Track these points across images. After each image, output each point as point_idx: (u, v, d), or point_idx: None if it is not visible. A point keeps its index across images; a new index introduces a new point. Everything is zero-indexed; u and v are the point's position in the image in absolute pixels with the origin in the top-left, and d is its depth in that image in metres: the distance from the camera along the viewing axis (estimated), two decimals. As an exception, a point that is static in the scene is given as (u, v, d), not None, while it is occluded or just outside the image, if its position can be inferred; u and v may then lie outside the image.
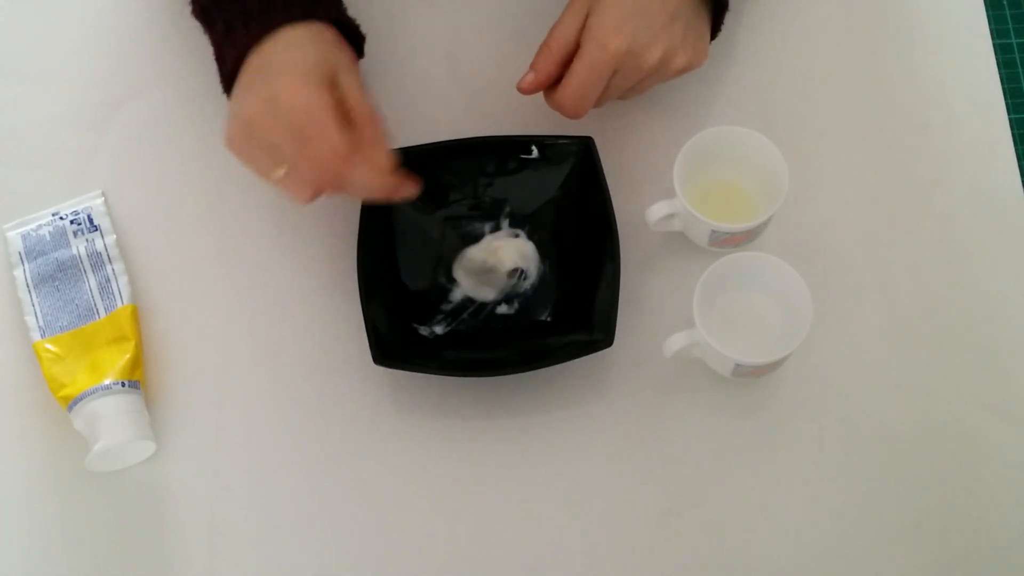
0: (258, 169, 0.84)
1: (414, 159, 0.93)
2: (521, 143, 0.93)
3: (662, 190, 0.90)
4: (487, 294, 0.92)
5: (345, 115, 0.82)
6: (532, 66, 0.90)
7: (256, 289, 0.94)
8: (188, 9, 0.93)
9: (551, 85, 0.90)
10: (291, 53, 0.84)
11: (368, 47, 0.97)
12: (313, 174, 0.82)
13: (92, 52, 1.02)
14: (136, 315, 0.92)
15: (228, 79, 0.87)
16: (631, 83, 0.90)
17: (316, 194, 0.83)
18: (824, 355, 0.90)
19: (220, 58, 0.89)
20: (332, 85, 0.83)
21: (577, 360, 0.88)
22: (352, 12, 0.94)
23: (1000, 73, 0.99)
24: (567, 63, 0.88)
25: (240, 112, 0.84)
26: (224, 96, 0.89)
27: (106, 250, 0.94)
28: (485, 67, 1.00)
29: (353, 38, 0.92)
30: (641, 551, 0.86)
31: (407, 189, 0.85)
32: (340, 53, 0.86)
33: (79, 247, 0.93)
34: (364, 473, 0.88)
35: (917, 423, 0.89)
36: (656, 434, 0.89)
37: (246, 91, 0.85)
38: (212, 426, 0.90)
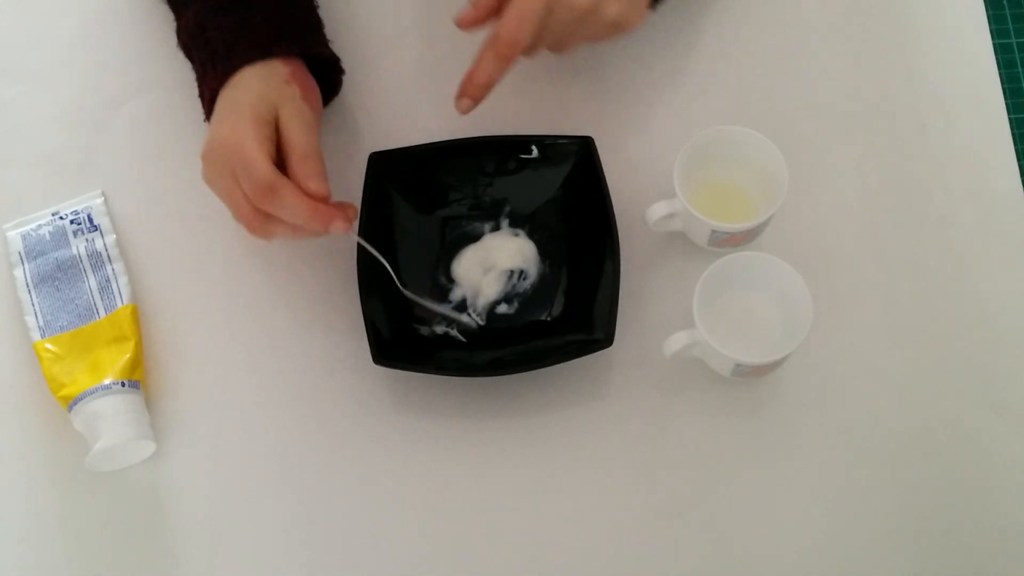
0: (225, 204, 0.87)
1: (415, 159, 0.93)
2: (521, 143, 0.94)
3: (662, 190, 0.90)
4: (487, 295, 0.92)
5: (286, 151, 0.85)
6: (472, 1, 0.90)
7: (256, 289, 0.94)
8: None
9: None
10: (236, 93, 0.87)
11: (369, 48, 0.97)
12: (239, 211, 0.85)
13: (92, 52, 1.02)
14: (136, 315, 0.92)
15: (210, 112, 0.90)
16: (563, 26, 0.88)
17: (267, 233, 0.85)
18: (824, 355, 0.90)
19: (201, 95, 0.91)
20: (269, 121, 0.85)
21: (577, 360, 0.88)
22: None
23: (1000, 73, 0.99)
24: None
25: (202, 159, 0.87)
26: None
27: (106, 250, 0.94)
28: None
29: (325, 67, 0.93)
30: (641, 550, 0.86)
31: (339, 225, 0.85)
32: (287, 89, 0.87)
33: (79, 247, 0.93)
34: (364, 473, 0.88)
35: (917, 423, 0.89)
36: (656, 434, 0.89)
37: (205, 139, 0.87)
38: (212, 426, 0.90)
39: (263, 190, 0.83)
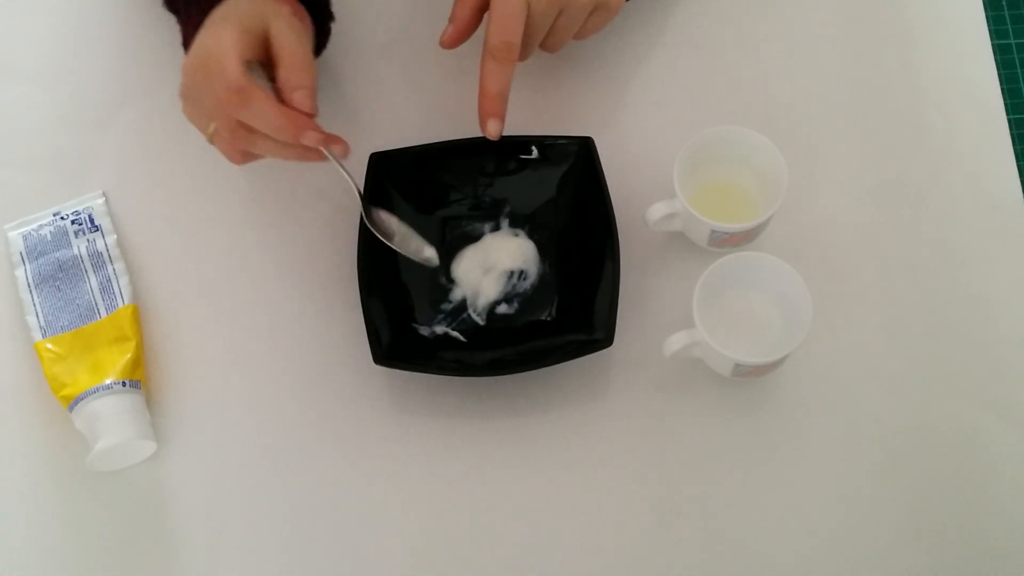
0: (200, 129, 0.86)
1: (415, 159, 0.93)
2: (521, 143, 0.94)
3: (662, 190, 0.90)
4: (487, 295, 0.92)
5: (276, 63, 0.84)
6: (451, 18, 0.90)
7: (256, 289, 0.94)
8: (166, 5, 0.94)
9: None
10: (223, 11, 0.85)
11: (368, 48, 0.97)
12: (220, 116, 0.83)
13: (92, 52, 1.02)
14: (137, 315, 0.92)
15: None
16: (545, 18, 0.88)
17: (242, 152, 0.85)
18: (824, 355, 0.90)
19: (185, 43, 0.90)
20: (255, 33, 0.84)
21: (577, 360, 0.88)
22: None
23: (999, 73, 0.99)
24: (484, 9, 0.89)
25: (180, 77, 0.85)
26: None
27: (107, 250, 0.94)
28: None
29: (313, 9, 0.92)
30: (641, 550, 0.86)
31: (311, 136, 0.83)
32: (276, 5, 0.86)
33: (80, 247, 0.93)
34: (364, 473, 0.88)
35: (917, 423, 0.89)
36: (656, 434, 0.89)
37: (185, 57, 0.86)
38: (212, 426, 0.90)
39: (233, 93, 0.81)
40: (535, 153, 0.94)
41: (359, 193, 0.88)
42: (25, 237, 0.94)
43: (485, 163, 0.94)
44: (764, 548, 0.86)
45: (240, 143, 0.84)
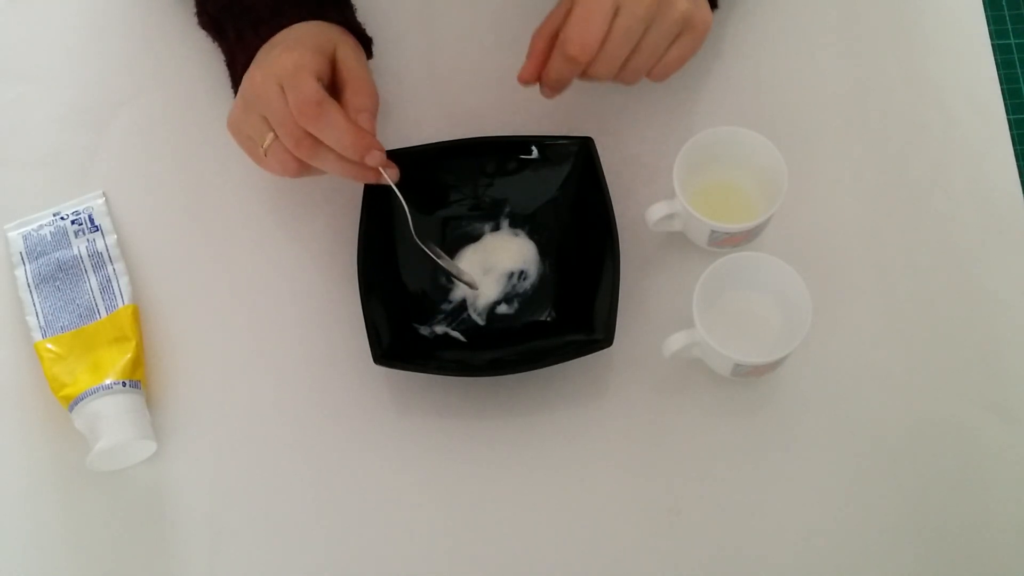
0: (250, 144, 0.87)
1: (415, 159, 0.93)
2: (521, 143, 0.94)
3: (662, 190, 0.90)
4: (487, 295, 0.92)
5: (341, 85, 0.87)
6: (528, 52, 0.89)
7: (257, 289, 0.94)
8: (193, 15, 0.95)
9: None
10: (292, 32, 0.89)
11: (373, 48, 0.97)
12: (287, 126, 0.84)
13: (92, 52, 1.02)
14: (137, 315, 0.92)
15: (239, 81, 0.89)
16: (635, 32, 0.85)
17: (300, 164, 0.86)
18: (823, 355, 0.90)
19: (232, 63, 0.92)
20: (327, 56, 0.87)
21: (577, 360, 0.88)
22: (360, 14, 0.94)
23: (999, 74, 0.99)
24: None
25: (242, 89, 0.87)
26: (226, 97, 0.89)
27: (107, 250, 0.94)
28: (486, 67, 1.00)
29: (361, 41, 0.93)
30: (641, 550, 0.86)
31: (375, 155, 0.85)
32: (344, 35, 0.89)
33: (80, 247, 0.94)
34: (364, 473, 0.88)
35: (916, 423, 0.89)
36: (656, 434, 0.89)
37: (249, 72, 0.88)
38: (212, 426, 0.90)
39: (312, 105, 0.83)
40: (535, 153, 0.94)
41: (410, 214, 0.89)
42: (25, 237, 0.94)
43: (485, 163, 0.94)
44: (764, 547, 0.86)
45: (304, 154, 0.85)
